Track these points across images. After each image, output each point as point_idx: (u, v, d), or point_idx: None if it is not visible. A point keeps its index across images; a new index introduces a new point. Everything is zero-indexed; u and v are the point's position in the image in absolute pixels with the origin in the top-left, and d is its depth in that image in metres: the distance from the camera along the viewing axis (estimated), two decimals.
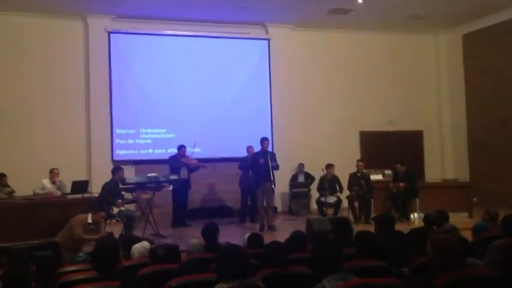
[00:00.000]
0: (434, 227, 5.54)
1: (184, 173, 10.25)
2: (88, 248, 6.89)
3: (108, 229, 7.99)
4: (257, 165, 9.43)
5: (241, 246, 3.53)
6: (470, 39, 13.07)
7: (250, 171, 10.17)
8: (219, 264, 3.21)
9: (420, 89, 13.84)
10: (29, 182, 9.43)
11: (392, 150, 12.75)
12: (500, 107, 12.21)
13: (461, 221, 8.36)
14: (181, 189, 10.24)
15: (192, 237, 5.72)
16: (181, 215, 10.36)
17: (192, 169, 10.50)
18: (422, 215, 9.27)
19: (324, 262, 3.09)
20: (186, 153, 10.49)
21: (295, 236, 4.87)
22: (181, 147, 10.49)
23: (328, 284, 2.93)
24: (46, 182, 9.38)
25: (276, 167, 9.55)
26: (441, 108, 13.98)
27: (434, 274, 2.90)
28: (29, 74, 11.06)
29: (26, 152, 10.72)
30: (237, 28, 12.42)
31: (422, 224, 6.28)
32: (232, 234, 7.88)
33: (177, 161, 10.31)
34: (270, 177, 9.25)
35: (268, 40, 12.63)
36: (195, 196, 11.42)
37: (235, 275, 2.96)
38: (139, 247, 5.14)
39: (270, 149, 10.14)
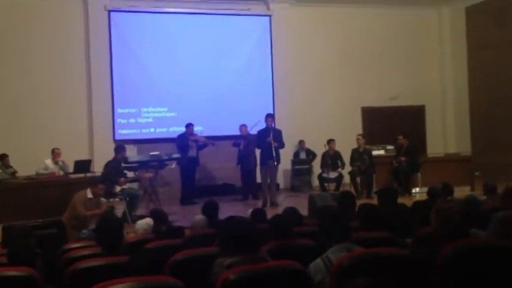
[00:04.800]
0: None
1: (193, 151, 10.28)
2: (93, 226, 6.91)
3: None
4: (263, 143, 9.44)
5: (243, 217, 3.44)
6: (474, 12, 12.90)
7: (240, 147, 10.51)
8: (221, 238, 3.04)
9: (422, 63, 13.70)
10: (31, 162, 9.46)
11: (395, 125, 12.65)
12: (504, 80, 12.10)
13: (463, 194, 8.33)
14: (189, 167, 10.26)
15: (197, 215, 5.72)
16: (189, 192, 10.41)
17: (200, 146, 10.52)
18: (424, 189, 9.36)
19: (332, 234, 3.04)
20: (194, 132, 10.50)
21: (287, 212, 4.84)
22: (189, 125, 10.51)
23: (333, 254, 2.90)
24: (48, 162, 9.42)
25: (280, 146, 9.55)
26: (443, 82, 13.87)
27: (438, 243, 2.89)
28: (29, 54, 10.96)
29: (28, 132, 10.70)
30: (237, 5, 12.31)
31: (424, 198, 6.28)
32: (236, 211, 7.85)
33: (186, 140, 10.31)
34: (273, 155, 9.26)
35: (270, 16, 12.50)
36: (199, 174, 11.43)
37: (239, 248, 2.82)
38: (143, 223, 5.20)
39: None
